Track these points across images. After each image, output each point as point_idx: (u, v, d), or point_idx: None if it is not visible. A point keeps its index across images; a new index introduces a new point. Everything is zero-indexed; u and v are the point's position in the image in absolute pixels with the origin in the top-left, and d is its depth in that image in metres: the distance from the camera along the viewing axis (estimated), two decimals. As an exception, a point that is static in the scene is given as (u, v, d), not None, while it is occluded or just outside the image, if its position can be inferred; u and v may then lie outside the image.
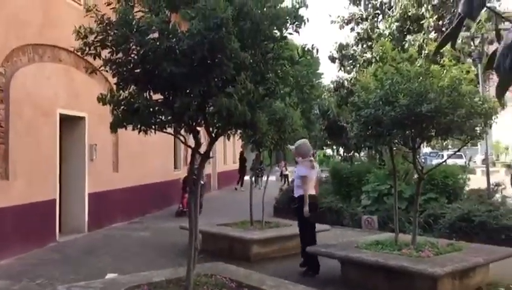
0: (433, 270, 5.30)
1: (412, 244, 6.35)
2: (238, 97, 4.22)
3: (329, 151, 40.86)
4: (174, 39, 4.22)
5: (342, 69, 17.14)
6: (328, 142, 25.93)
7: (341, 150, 17.70)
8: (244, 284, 4.83)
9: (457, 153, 36.54)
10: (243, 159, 23.19)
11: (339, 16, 17.83)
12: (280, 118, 8.72)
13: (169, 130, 4.68)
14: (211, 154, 4.97)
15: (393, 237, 6.89)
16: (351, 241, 7.19)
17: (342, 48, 17.00)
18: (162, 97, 4.55)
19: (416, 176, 8.18)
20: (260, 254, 7.95)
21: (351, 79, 16.07)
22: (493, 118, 6.08)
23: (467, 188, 11.76)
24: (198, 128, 4.84)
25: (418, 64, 6.95)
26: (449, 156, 9.45)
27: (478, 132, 6.32)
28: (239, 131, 5.73)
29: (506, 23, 1.89)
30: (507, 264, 6.82)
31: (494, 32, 1.62)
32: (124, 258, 8.08)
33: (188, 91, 4.34)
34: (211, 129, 4.84)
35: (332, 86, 17.56)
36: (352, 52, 16.80)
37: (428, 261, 5.68)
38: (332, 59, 17.45)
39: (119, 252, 8.56)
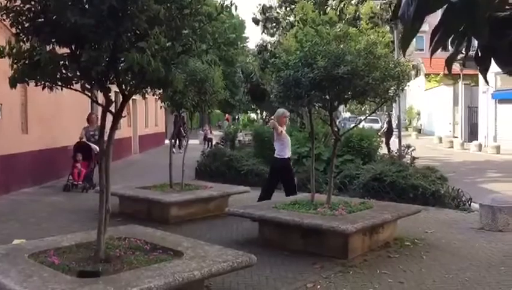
0: (345, 227, 5.51)
1: (326, 204, 6.55)
2: (152, 53, 4.00)
3: (253, 115, 41.12)
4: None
5: (265, 31, 17.06)
6: (252, 106, 26.02)
7: (264, 114, 17.80)
8: (159, 246, 4.73)
9: (374, 118, 38.24)
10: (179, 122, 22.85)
11: (262, -22, 17.64)
12: (201, 79, 8.52)
13: (78, 86, 4.37)
14: (123, 114, 4.74)
15: (311, 197, 7.07)
16: (268, 202, 7.28)
17: (265, 10, 16.86)
18: (69, 50, 4.23)
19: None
20: (179, 217, 7.86)
21: (274, 42, 16.06)
22: (405, 81, 6.30)
23: (380, 151, 12.35)
24: (110, 85, 4.56)
25: (338, 27, 7.00)
26: (362, 120, 9.81)
27: (391, 94, 6.54)
28: (156, 90, 5.50)
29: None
30: (413, 221, 7.29)
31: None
32: (33, 224, 7.66)
33: (96, 45, 4.05)
34: (123, 87, 4.59)
35: (255, 49, 17.46)
36: (275, 14, 16.73)
37: (341, 219, 5.89)
38: (255, 21, 17.29)
39: (27, 218, 8.10)
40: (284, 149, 8.19)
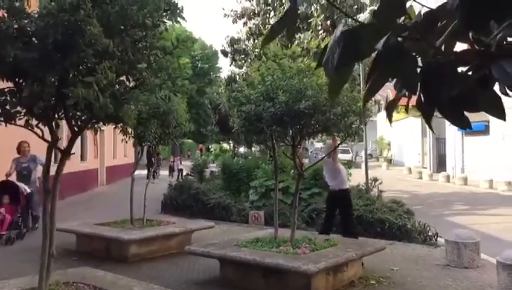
0: (307, 267, 5.32)
1: (289, 241, 6.37)
2: (100, 88, 3.82)
3: (225, 145, 40.96)
4: (23, 20, 3.72)
5: (234, 63, 17.09)
6: (224, 137, 25.91)
7: (231, 145, 17.67)
8: (108, 291, 4.44)
9: (345, 148, 38.58)
10: (150, 153, 22.65)
11: (232, 10, 17.78)
12: (164, 112, 8.36)
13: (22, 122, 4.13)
14: (72, 151, 4.51)
15: (274, 233, 6.88)
16: (231, 239, 7.05)
17: (233, 42, 16.92)
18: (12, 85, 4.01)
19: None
20: (139, 255, 7.54)
21: (242, 74, 16.08)
22: (367, 116, 6.26)
23: (349, 183, 12.27)
24: (59, 121, 4.35)
25: (300, 61, 6.98)
26: (324, 156, 9.79)
27: (354, 129, 6.49)
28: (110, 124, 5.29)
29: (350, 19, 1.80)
30: (380, 257, 7.15)
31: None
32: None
33: (40, 79, 3.85)
34: (72, 122, 4.37)
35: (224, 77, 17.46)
36: (244, 46, 16.80)
37: (304, 258, 5.70)
38: (224, 53, 17.33)
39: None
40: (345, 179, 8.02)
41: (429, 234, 8.99)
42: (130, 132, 8.46)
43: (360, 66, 12.48)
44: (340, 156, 29.23)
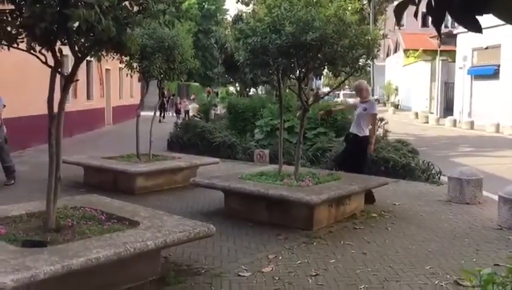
0: (310, 198, 5.40)
1: (293, 175, 6.43)
2: (102, 10, 3.74)
3: (232, 88, 40.75)
4: None
5: (241, 0, 16.63)
6: (231, 80, 25.74)
7: (237, 86, 17.54)
8: (115, 216, 4.54)
9: (352, 93, 38.38)
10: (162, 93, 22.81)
11: None
12: (169, 46, 8.24)
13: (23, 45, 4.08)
14: (75, 78, 4.48)
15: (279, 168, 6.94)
16: (236, 173, 7.13)
17: (240, -23, 16.42)
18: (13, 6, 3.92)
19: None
20: (145, 187, 7.67)
21: (249, 12, 15.68)
22: (375, 49, 6.14)
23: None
24: (61, 46, 4.29)
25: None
26: (328, 92, 9.77)
27: (361, 63, 6.38)
28: (113, 53, 5.22)
29: None
30: (383, 193, 7.23)
31: None
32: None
33: (40, -1, 3.76)
34: (75, 48, 4.31)
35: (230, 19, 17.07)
36: (251, -17, 16.32)
37: (307, 190, 5.78)
38: (231, -10, 16.83)
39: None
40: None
41: (432, 172, 9.04)
42: (135, 66, 8.41)
43: (370, 5, 12.10)
44: (347, 100, 29.13)
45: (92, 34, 4.02)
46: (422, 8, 1.79)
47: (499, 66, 23.68)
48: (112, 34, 3.82)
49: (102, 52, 4.70)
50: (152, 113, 9.15)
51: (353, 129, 7.20)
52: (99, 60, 4.86)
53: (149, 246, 3.82)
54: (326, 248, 5.06)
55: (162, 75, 8.53)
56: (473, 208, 6.79)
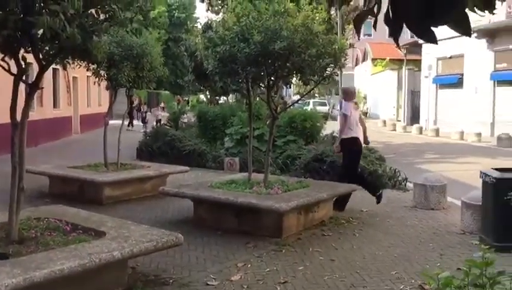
0: (279, 205, 5.43)
1: (262, 182, 6.45)
2: (67, 18, 3.69)
3: (202, 96, 40.62)
4: None
5: (210, 9, 16.67)
6: (201, 88, 25.65)
7: (207, 94, 17.51)
8: (81, 226, 4.47)
9: (322, 101, 38.99)
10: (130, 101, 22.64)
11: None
12: (137, 54, 8.18)
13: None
14: (40, 85, 4.40)
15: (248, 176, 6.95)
16: (206, 181, 7.11)
17: (210, -14, 16.47)
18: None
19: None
20: (113, 197, 7.56)
21: (219, 20, 15.72)
22: (342, 59, 6.25)
23: (323, 132, 12.41)
24: (25, 53, 4.21)
25: (276, 2, 6.84)
26: (297, 100, 9.88)
27: (328, 72, 6.48)
28: (80, 60, 5.15)
29: None
30: (351, 200, 7.31)
31: None
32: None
33: (2, 6, 3.69)
34: (41, 56, 4.24)
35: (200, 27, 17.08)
36: (221, -9, 16.38)
37: (276, 198, 5.81)
38: (201, -2, 16.87)
39: None
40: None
41: (399, 179, 9.22)
42: (102, 74, 8.31)
43: (338, 14, 12.35)
44: (317, 108, 29.36)
45: (56, 42, 3.98)
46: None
47: (462, 75, 24.41)
48: (77, 42, 3.78)
49: (68, 60, 4.66)
50: (121, 122, 9.05)
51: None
52: (64, 68, 4.81)
53: (115, 256, 3.77)
54: (295, 255, 5.09)
55: (130, 83, 8.45)
56: (437, 214, 6.96)
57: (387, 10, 1.88)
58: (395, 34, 1.93)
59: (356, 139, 7.06)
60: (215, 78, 6.86)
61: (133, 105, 26.41)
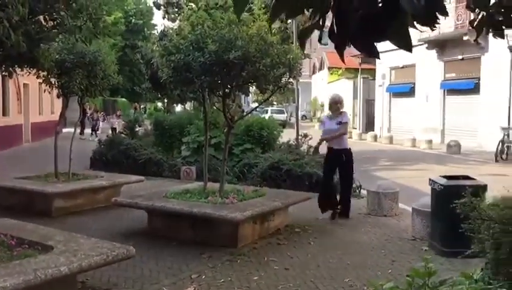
0: (234, 215, 5.41)
1: (218, 192, 6.42)
2: (11, 24, 3.57)
3: (160, 104, 40.17)
4: None
5: (167, 16, 16.53)
6: (159, 95, 25.34)
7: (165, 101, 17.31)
8: (27, 240, 4.30)
9: (279, 109, 39.35)
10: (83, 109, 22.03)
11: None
12: (90, 62, 7.99)
13: None
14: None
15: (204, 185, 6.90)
16: (161, 191, 7.00)
17: (166, -7, 16.34)
18: None
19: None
20: (64, 208, 7.33)
21: (176, 28, 15.60)
22: (296, 68, 6.31)
23: (280, 140, 12.48)
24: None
25: (231, 11, 6.86)
26: (253, 109, 9.97)
27: (283, 82, 6.53)
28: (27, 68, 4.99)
29: None
30: (307, 208, 7.38)
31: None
32: None
33: None
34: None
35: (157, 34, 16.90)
36: (177, 0, 16.25)
37: (231, 207, 5.79)
38: (157, 5, 16.70)
39: None
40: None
41: (354, 186, 9.37)
42: (53, 82, 8.08)
43: (294, 24, 12.50)
44: (275, 116, 29.56)
45: (1, 50, 3.84)
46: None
47: (414, 84, 25.22)
48: (22, 50, 3.66)
49: (15, 68, 4.50)
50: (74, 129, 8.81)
51: (333, 144, 7.24)
52: (10, 76, 4.64)
53: (62, 271, 3.64)
54: (249, 265, 5.07)
55: (82, 91, 8.24)
56: (390, 220, 7.12)
57: (332, 25, 1.91)
58: (340, 48, 1.96)
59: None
60: (171, 87, 6.78)
61: (88, 113, 25.81)
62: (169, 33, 12.79)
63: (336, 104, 7.39)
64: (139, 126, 19.55)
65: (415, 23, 1.95)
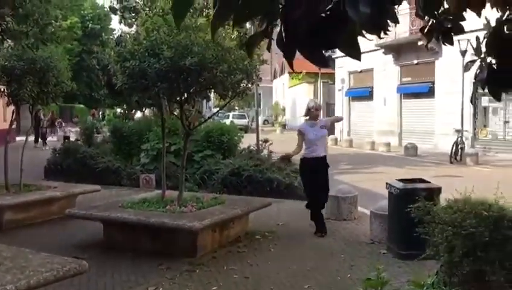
0: (192, 224, 5.31)
1: (177, 200, 6.30)
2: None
3: (119, 110, 39.39)
4: None
5: (123, 21, 16.23)
6: (117, 102, 24.79)
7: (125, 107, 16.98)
8: (-30, 258, 4.06)
9: (241, 114, 39.38)
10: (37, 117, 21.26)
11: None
12: (41, 68, 7.71)
13: None
14: None
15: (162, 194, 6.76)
16: (116, 201, 6.82)
17: (122, -2, 16.04)
18: None
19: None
20: (15, 221, 7.04)
21: (133, 33, 15.34)
22: (254, 75, 6.29)
23: (241, 145, 12.43)
24: None
25: (188, 17, 6.78)
26: (212, 115, 9.93)
27: (241, 88, 6.49)
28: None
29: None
30: (267, 214, 7.36)
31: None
32: None
33: None
34: None
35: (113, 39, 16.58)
36: (134, 4, 15.98)
37: (190, 216, 5.68)
38: (113, 10, 16.38)
39: None
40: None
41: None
42: (2, 90, 7.76)
43: (253, 29, 12.49)
44: (236, 121, 29.52)
45: None
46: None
47: (372, 88, 25.76)
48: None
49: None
50: (31, 138, 8.48)
51: (321, 151, 6.72)
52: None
53: (9, 290, 3.45)
54: (209, 275, 4.99)
55: (33, 99, 7.95)
56: (349, 224, 7.18)
57: (280, 33, 1.88)
58: (288, 57, 1.93)
59: None
60: (126, 93, 6.62)
61: (44, 120, 24.94)
62: (124, 39, 12.56)
63: (317, 111, 6.87)
64: (98, 133, 19.08)
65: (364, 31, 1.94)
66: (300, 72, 39.24)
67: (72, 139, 19.72)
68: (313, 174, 6.66)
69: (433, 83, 21.51)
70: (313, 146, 6.69)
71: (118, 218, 5.77)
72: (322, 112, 6.90)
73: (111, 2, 16.67)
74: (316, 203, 6.69)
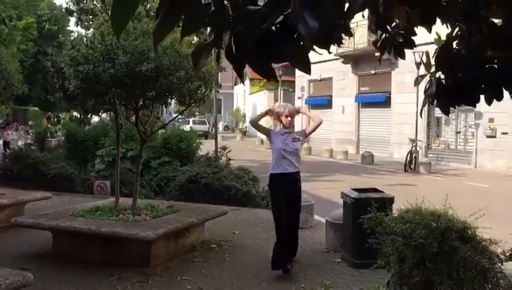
0: (145, 234, 5.19)
1: (130, 209, 6.15)
2: None
3: (76, 113, 38.36)
4: None
5: (80, 24, 15.85)
6: (71, 106, 24.09)
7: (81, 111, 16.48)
8: None
9: (201, 120, 39.11)
10: None
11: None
12: (-10, 70, 7.42)
13: None
14: None
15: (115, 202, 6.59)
16: (67, 209, 6.59)
17: (79, 0, 15.65)
18: None
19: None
20: (-42, 230, 6.67)
21: (90, 36, 14.99)
22: (211, 82, 6.24)
23: (199, 152, 12.33)
24: None
25: (145, 22, 6.67)
26: (169, 121, 9.81)
27: (199, 95, 6.43)
28: None
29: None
30: (223, 222, 7.30)
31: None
32: None
33: None
34: None
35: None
36: (92, 6, 15.62)
37: (143, 225, 5.55)
38: (69, 12, 15.97)
39: None
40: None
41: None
42: None
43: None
44: (196, 127, 29.30)
45: None
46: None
47: (331, 96, 26.19)
48: None
49: None
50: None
51: (289, 166, 5.53)
52: None
53: None
54: (161, 286, 4.88)
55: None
56: (305, 233, 7.19)
57: (229, 45, 1.85)
58: (237, 69, 1.90)
59: None
60: (80, 98, 6.43)
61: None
62: (77, 42, 12.28)
63: (287, 118, 5.71)
64: (52, 137, 18.52)
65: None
66: (262, 79, 39.51)
67: (21, 144, 18.84)
68: (282, 196, 5.43)
69: (389, 93, 22.08)
70: (280, 159, 5.48)
71: (68, 227, 5.57)
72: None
73: (67, 3, 16.24)
74: (283, 237, 5.41)
